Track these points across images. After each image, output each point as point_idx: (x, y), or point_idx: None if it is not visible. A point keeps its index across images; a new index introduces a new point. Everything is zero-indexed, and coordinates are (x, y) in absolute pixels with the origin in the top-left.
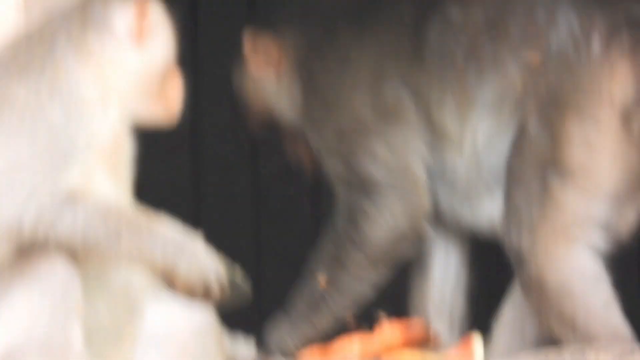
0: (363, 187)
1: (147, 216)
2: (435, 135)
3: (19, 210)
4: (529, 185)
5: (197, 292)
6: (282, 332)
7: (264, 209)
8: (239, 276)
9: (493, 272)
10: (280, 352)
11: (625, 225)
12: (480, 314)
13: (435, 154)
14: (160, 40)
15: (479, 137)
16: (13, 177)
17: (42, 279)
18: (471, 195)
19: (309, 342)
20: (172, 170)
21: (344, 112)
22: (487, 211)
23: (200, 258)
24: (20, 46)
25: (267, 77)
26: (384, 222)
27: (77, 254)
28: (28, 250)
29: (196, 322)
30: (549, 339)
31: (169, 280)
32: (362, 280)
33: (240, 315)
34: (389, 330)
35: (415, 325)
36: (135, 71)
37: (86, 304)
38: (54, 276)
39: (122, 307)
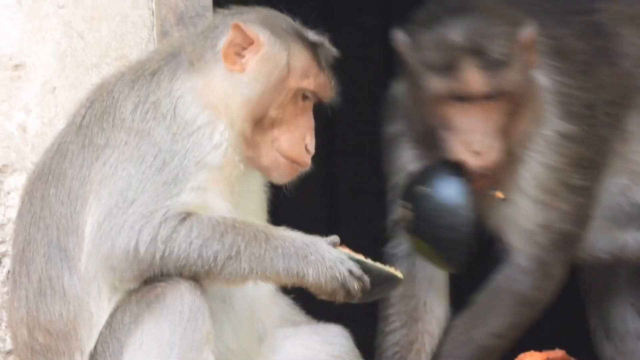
0: (557, 241)
1: (264, 227)
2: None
3: (134, 236)
4: None
5: (338, 294)
6: None
7: None
8: (377, 266)
9: None
10: None
11: None
12: None
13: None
14: (264, 72)
15: None
16: (124, 204)
17: (169, 310)
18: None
19: None
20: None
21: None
22: (622, 240)
23: (327, 260)
24: (144, 59)
25: None
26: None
27: (199, 277)
28: (152, 281)
29: (337, 345)
30: None
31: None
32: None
33: None
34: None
35: (555, 355)
36: (235, 95)
37: (214, 328)
38: (182, 306)
39: (249, 333)
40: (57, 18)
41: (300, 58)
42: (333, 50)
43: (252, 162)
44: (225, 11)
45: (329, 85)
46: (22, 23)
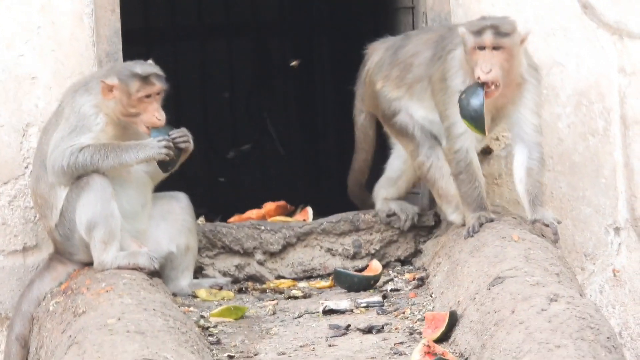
0: None
1: (121, 142)
2: None
3: (61, 161)
4: None
5: (161, 158)
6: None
7: None
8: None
9: None
10: None
11: None
12: None
13: None
14: (118, 96)
15: None
16: (56, 146)
17: (91, 186)
18: None
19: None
20: None
21: None
22: None
23: (152, 147)
24: (79, 80)
25: None
26: None
27: (98, 171)
28: (82, 177)
29: (182, 203)
30: None
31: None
32: None
33: None
34: (270, 206)
35: (284, 204)
36: (109, 105)
37: (116, 197)
38: (97, 184)
39: (136, 200)
40: (52, 57)
41: (135, 84)
42: (156, 72)
43: (136, 127)
44: (108, 66)
45: (157, 89)
46: (36, 57)
